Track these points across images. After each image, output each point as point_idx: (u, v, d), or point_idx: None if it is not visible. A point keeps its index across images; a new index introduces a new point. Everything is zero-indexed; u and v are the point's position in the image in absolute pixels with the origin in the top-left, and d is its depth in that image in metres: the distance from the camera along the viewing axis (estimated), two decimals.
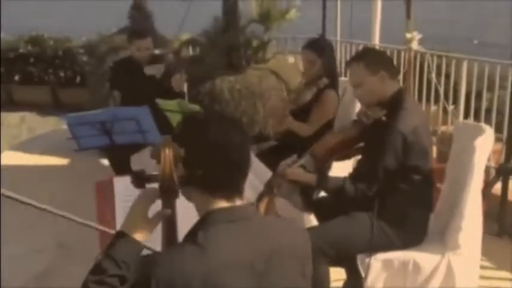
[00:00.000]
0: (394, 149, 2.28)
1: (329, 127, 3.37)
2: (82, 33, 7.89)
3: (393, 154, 2.29)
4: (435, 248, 2.38)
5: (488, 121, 3.76)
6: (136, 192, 2.17)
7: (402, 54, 4.52)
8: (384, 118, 2.35)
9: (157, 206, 1.44)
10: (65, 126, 6.30)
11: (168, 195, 1.35)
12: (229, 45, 4.96)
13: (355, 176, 2.42)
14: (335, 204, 2.59)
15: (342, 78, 3.64)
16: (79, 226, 1.71)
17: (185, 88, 3.70)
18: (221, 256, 1.25)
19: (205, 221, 1.33)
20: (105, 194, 2.13)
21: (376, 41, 5.37)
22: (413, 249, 2.39)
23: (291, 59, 5.73)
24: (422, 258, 2.36)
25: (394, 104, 2.37)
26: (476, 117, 4.01)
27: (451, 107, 4.17)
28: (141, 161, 3.88)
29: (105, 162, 4.61)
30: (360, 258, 2.43)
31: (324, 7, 4.79)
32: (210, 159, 1.33)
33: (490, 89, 3.88)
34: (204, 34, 5.20)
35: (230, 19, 5.09)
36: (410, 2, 4.01)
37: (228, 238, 1.29)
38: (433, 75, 4.17)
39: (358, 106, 3.46)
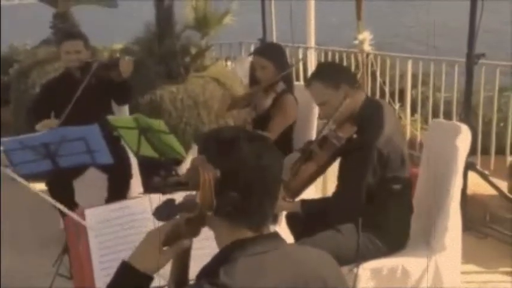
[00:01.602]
0: (372, 165, 2.21)
1: (290, 132, 3.29)
2: None
3: (372, 171, 2.22)
4: (421, 252, 2.35)
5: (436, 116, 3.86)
6: (113, 223, 1.96)
7: (344, 55, 4.53)
8: (355, 136, 2.25)
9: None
10: None
11: (197, 225, 1.17)
12: (166, 53, 4.76)
13: (337, 198, 2.33)
14: (309, 217, 2.50)
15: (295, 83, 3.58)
16: None
17: None
18: None
19: (228, 255, 1.17)
20: (76, 229, 1.88)
21: (312, 44, 5.38)
22: (400, 255, 2.34)
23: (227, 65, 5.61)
24: (410, 263, 2.32)
25: (363, 117, 2.29)
26: (423, 114, 4.12)
27: (397, 105, 4.24)
28: (85, 184, 3.60)
29: (36, 186, 4.21)
30: (345, 269, 2.34)
31: (263, 11, 4.69)
32: (246, 183, 1.16)
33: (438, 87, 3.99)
34: (138, 42, 4.95)
35: (165, 25, 4.89)
36: (361, 2, 4.01)
37: (258, 273, 1.14)
38: (378, 74, 4.22)
39: (317, 108, 3.41)
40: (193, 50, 4.88)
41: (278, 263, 1.18)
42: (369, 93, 4.41)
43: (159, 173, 4.18)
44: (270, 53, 3.25)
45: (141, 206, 1.99)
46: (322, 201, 2.32)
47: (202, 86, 4.66)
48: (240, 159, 1.16)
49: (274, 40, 5.27)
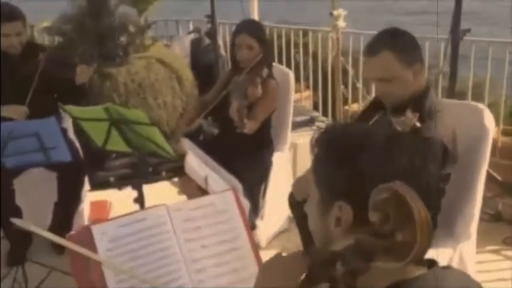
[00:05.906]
0: (433, 163, 1.85)
1: (269, 119, 3.01)
2: None
3: (432, 169, 1.95)
4: (446, 241, 2.20)
5: None
6: (129, 240, 1.57)
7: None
8: (418, 124, 1.90)
9: None
10: None
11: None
12: (102, 32, 4.23)
13: None
14: None
15: None
16: None
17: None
18: None
19: None
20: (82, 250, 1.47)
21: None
22: None
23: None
24: (437, 254, 2.16)
25: (425, 105, 1.96)
26: None
27: (359, 85, 4.10)
28: (27, 185, 3.06)
29: None
30: None
31: None
32: None
33: None
34: (66, 20, 4.34)
35: (98, 1, 4.34)
36: None
37: None
38: (339, 53, 4.05)
39: (291, 99, 3.17)
40: (131, 29, 4.39)
41: None
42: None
43: (103, 167, 3.68)
44: (258, 31, 2.91)
45: (158, 218, 1.63)
46: None
47: (146, 67, 4.20)
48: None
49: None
